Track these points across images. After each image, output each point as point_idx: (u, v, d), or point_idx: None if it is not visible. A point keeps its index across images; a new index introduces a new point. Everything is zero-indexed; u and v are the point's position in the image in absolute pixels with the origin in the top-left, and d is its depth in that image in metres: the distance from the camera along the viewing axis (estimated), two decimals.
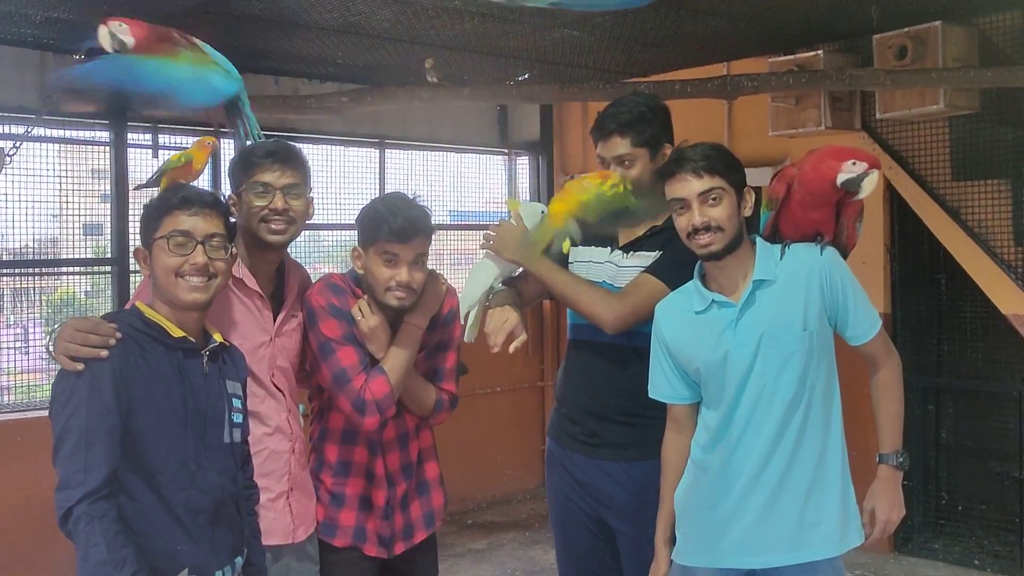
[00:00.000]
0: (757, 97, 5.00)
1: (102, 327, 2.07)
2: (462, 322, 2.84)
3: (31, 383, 5.05)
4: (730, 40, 4.96)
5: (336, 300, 2.57)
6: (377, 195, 4.33)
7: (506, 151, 6.85)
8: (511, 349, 2.67)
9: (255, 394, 2.43)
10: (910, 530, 5.12)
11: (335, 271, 2.97)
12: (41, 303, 5.41)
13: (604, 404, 2.76)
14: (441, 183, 6.56)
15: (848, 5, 4.46)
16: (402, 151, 6.30)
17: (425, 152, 6.46)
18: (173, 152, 4.54)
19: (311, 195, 2.59)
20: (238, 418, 2.26)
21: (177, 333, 2.16)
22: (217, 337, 2.25)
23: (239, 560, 2.23)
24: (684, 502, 2.46)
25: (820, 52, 4.85)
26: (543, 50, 5.07)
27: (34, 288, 5.38)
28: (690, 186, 2.32)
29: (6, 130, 4.80)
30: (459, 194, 6.68)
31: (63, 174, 5.10)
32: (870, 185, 2.33)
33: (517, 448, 6.48)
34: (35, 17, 4.41)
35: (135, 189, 4.86)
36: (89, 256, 5.23)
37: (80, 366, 2.02)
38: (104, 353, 2.04)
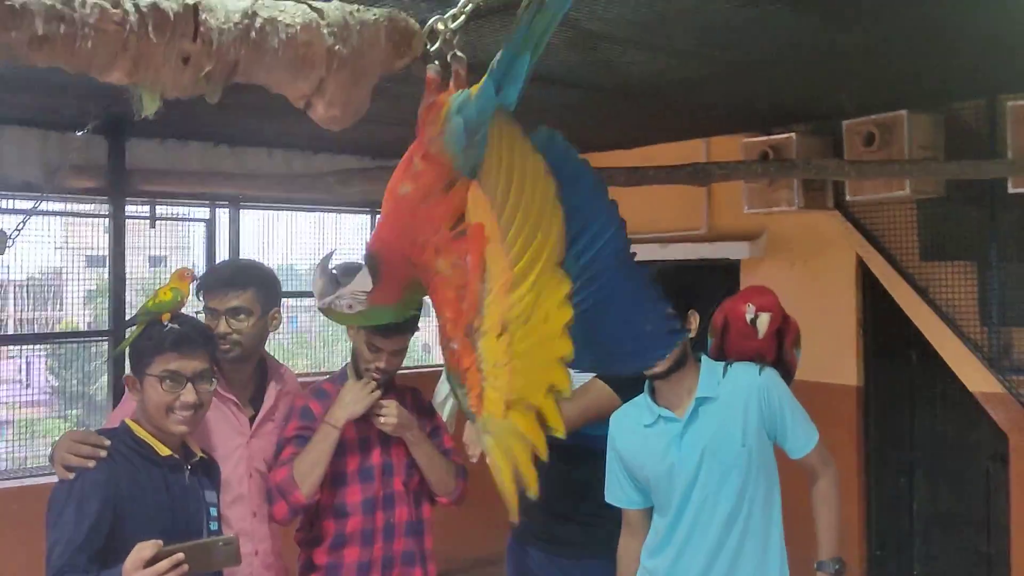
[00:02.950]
0: None
1: (91, 438, 2.28)
2: (439, 411, 3.03)
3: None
4: (706, 122, 5.15)
5: (311, 403, 2.77)
6: None
7: None
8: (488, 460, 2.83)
9: (223, 498, 2.60)
10: None
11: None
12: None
13: (559, 502, 2.92)
14: None
15: (818, 91, 4.64)
16: None
17: None
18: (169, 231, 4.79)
19: (273, 310, 2.77)
20: (214, 526, 2.43)
21: (164, 451, 2.35)
22: (198, 452, 2.44)
23: None
24: None
25: (793, 136, 5.02)
26: (532, 125, 5.27)
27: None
28: None
29: (10, 205, 5.00)
30: None
31: (66, 244, 5.32)
32: (763, 326, 2.55)
33: (500, 509, 6.57)
34: (40, 104, 4.61)
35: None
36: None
37: (71, 475, 2.21)
38: (91, 464, 2.22)
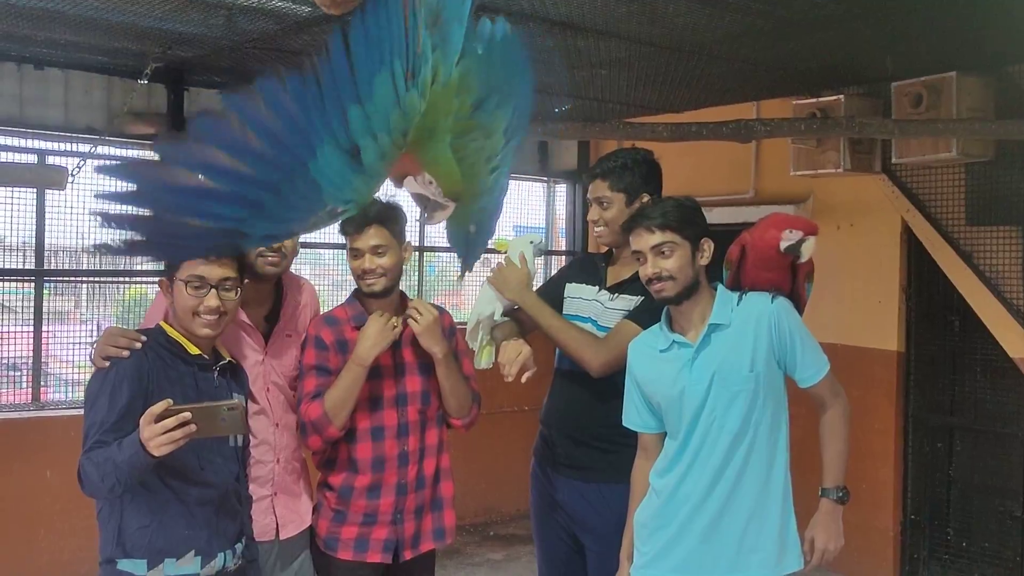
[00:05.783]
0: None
1: (129, 333, 2.44)
2: (471, 347, 3.12)
3: None
4: (754, 83, 5.16)
5: (324, 332, 2.88)
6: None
7: (546, 179, 7.12)
8: (523, 379, 2.93)
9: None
10: (917, 564, 5.24)
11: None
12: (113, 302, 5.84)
13: (583, 431, 2.99)
14: None
15: (867, 53, 4.62)
16: None
17: None
18: None
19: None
20: None
21: (193, 351, 2.49)
22: (226, 355, 2.57)
23: (239, 546, 2.55)
24: (641, 521, 2.68)
25: (841, 97, 5.00)
26: (579, 85, 5.32)
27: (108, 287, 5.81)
28: (645, 239, 2.57)
29: (75, 148, 5.20)
30: (500, 219, 6.91)
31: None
32: (808, 250, 2.57)
33: (514, 468, 6.67)
34: (103, 47, 4.80)
35: None
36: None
37: (107, 364, 2.37)
38: (125, 353, 2.37)
